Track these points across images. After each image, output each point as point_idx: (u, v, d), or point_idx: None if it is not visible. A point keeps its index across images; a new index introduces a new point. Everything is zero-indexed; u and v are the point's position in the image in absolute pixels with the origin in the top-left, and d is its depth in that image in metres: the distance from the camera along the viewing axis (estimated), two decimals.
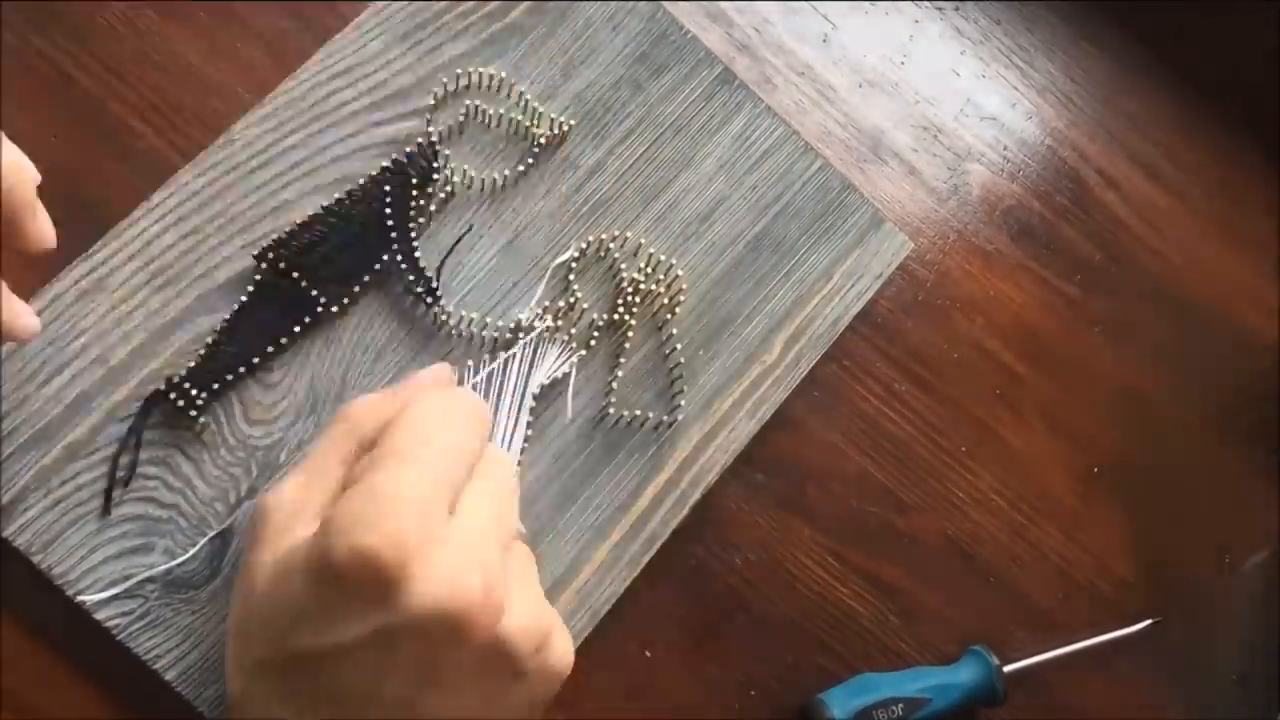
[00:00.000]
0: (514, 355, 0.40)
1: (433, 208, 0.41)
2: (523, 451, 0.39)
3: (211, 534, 0.37)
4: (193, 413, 0.37)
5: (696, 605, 0.42)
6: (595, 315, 0.42)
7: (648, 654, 0.41)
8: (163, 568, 0.36)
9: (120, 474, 0.37)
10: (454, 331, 0.40)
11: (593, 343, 0.41)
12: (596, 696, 0.40)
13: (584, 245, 0.42)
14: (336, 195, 0.40)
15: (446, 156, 0.41)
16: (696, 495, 0.41)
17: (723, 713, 0.42)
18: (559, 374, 0.40)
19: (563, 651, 0.32)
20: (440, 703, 0.29)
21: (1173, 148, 0.53)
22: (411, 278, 0.40)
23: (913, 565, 0.45)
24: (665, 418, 0.41)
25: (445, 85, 0.42)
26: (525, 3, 0.43)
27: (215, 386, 0.38)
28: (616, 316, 0.41)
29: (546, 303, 0.41)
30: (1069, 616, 0.46)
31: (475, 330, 0.40)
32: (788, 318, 0.43)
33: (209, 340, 0.38)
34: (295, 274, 0.39)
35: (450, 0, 0.42)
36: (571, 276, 0.42)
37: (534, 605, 0.31)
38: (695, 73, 0.44)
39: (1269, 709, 0.47)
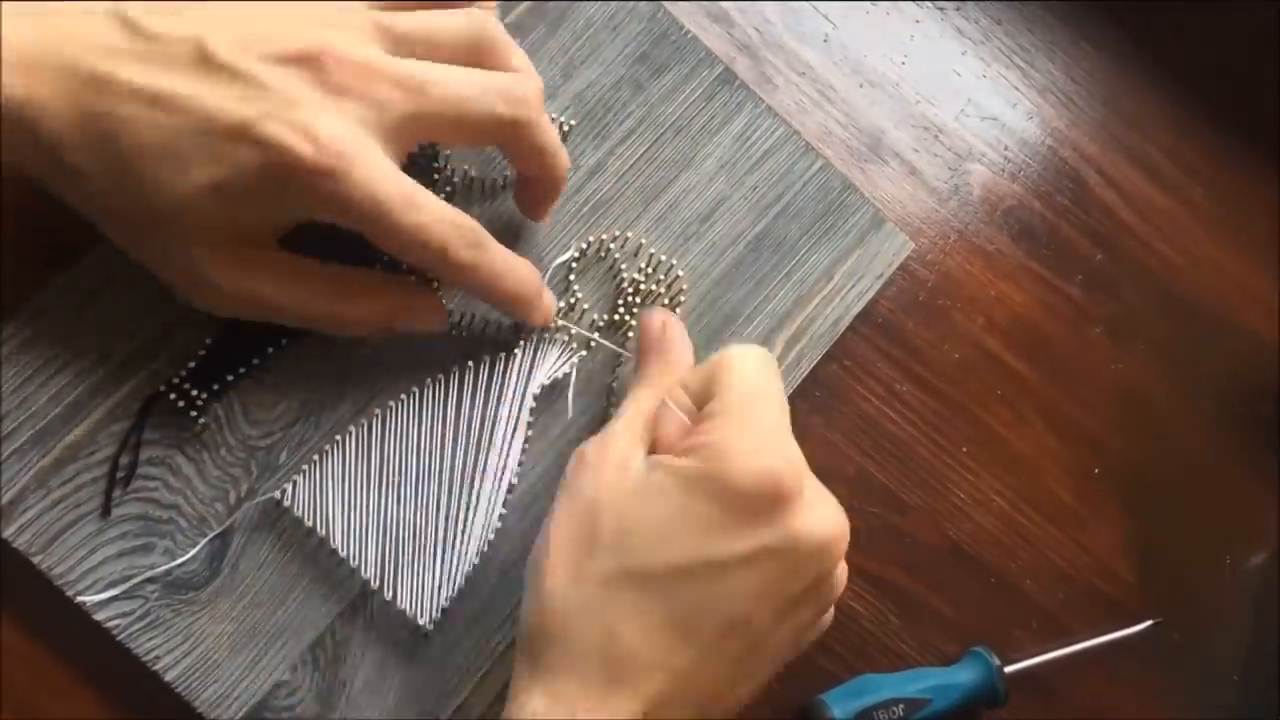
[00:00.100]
0: (514, 355, 0.40)
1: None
2: (524, 452, 0.39)
3: (212, 534, 0.37)
4: (193, 413, 0.37)
5: None
6: (596, 315, 0.41)
7: None
8: (163, 568, 0.36)
9: (120, 474, 0.37)
10: (455, 331, 0.40)
11: (592, 344, 0.41)
12: None
13: (584, 245, 0.42)
14: None
15: (447, 156, 0.41)
16: None
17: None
18: (560, 374, 0.40)
19: (832, 615, 0.36)
20: (770, 629, 0.32)
21: (1174, 148, 0.53)
22: (412, 277, 0.40)
23: (913, 566, 0.45)
24: None
25: None
26: (525, 3, 0.43)
27: (215, 387, 0.38)
28: (617, 317, 0.41)
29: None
30: (1070, 617, 0.46)
31: (476, 330, 0.40)
32: (788, 318, 0.43)
33: (209, 340, 0.38)
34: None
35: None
36: (572, 277, 0.42)
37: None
38: (696, 73, 0.44)
39: (1270, 710, 0.47)
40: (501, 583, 0.39)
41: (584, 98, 0.43)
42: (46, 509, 0.36)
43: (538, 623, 0.32)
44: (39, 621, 0.37)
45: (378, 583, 0.37)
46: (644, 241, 0.43)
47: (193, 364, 0.37)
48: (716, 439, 0.32)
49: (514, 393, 0.39)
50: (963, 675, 0.43)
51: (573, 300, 0.41)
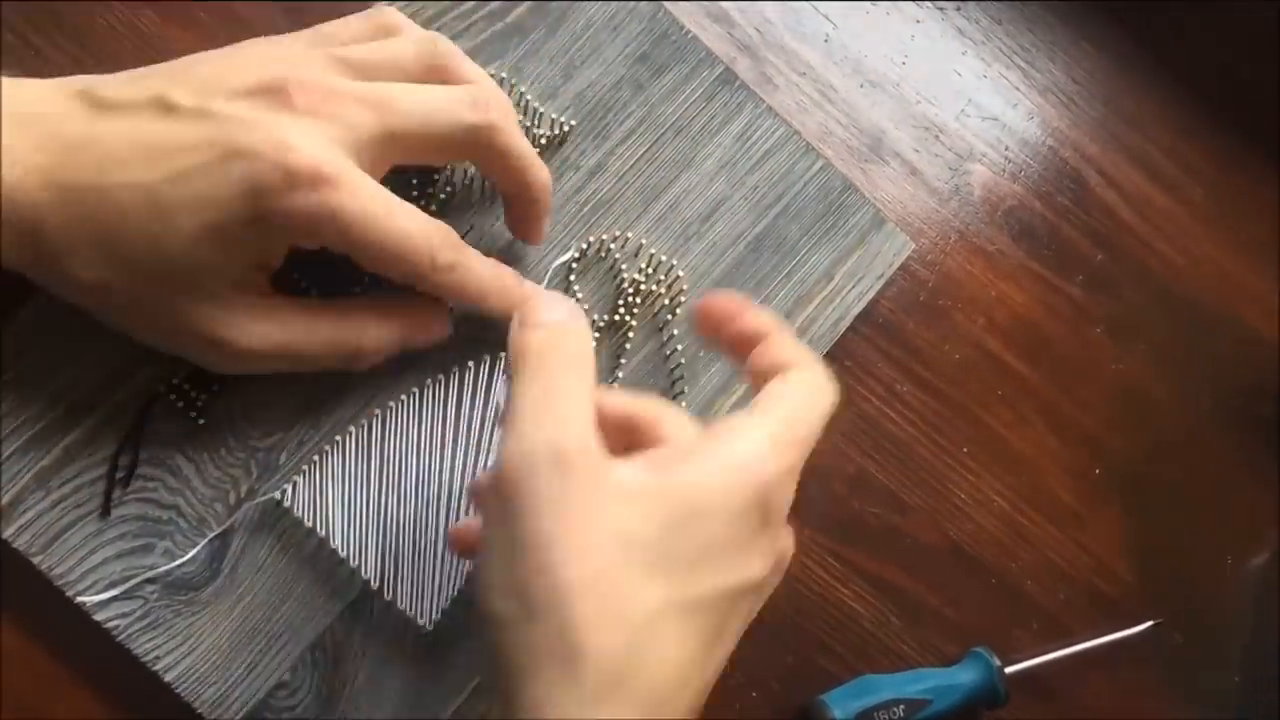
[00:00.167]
0: None
1: (433, 208, 0.41)
2: None
3: (212, 535, 0.37)
4: (192, 414, 0.37)
5: None
6: (596, 316, 0.41)
7: None
8: (163, 569, 0.36)
9: (120, 475, 0.36)
10: (455, 331, 0.40)
11: (594, 343, 0.41)
12: None
13: (585, 246, 0.42)
14: None
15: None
16: None
17: (723, 714, 0.42)
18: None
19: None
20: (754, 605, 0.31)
21: (1174, 148, 0.53)
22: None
23: (914, 566, 0.45)
24: None
25: None
26: (526, 3, 0.43)
27: (215, 388, 0.37)
28: (617, 317, 0.41)
29: None
30: (1070, 618, 0.46)
31: (476, 331, 0.40)
32: (789, 318, 0.43)
33: None
34: (295, 275, 0.38)
35: (451, 1, 0.42)
36: (572, 277, 0.42)
37: None
38: (696, 73, 0.44)
39: (1271, 711, 0.47)
40: None
41: (584, 98, 0.43)
42: (46, 509, 0.36)
43: (590, 672, 0.27)
44: (39, 622, 0.37)
45: (378, 583, 0.37)
46: (644, 242, 0.43)
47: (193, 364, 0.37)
48: (739, 446, 0.30)
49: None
50: (963, 676, 0.43)
51: (573, 300, 0.41)
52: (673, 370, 0.42)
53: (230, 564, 0.37)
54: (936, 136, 0.50)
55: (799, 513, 0.44)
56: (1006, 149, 0.51)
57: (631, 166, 0.43)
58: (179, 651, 0.36)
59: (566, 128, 0.42)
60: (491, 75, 0.42)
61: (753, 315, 0.33)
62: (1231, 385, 0.51)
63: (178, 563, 0.36)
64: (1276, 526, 0.50)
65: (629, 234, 0.42)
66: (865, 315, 0.45)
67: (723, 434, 0.30)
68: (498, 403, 0.40)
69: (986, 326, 0.48)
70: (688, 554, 0.28)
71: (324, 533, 0.37)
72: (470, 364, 0.39)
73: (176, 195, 0.31)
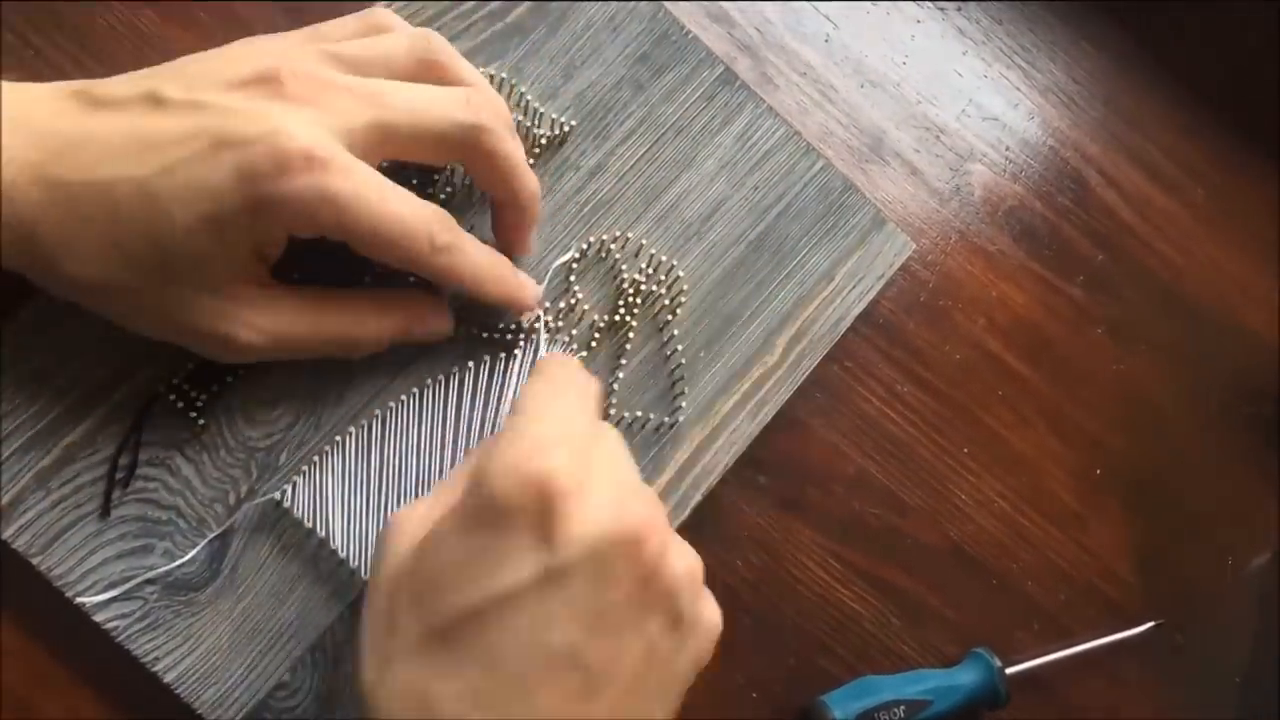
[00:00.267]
0: (514, 356, 0.40)
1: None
2: None
3: (211, 535, 0.37)
4: (192, 414, 0.37)
5: None
6: (596, 316, 0.41)
7: None
8: (162, 569, 0.36)
9: (119, 475, 0.36)
10: (455, 332, 0.40)
11: (593, 344, 0.41)
12: None
13: (585, 246, 0.42)
14: None
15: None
16: (698, 497, 0.41)
17: (724, 714, 0.42)
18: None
19: (715, 608, 0.31)
20: (609, 654, 0.28)
21: (1174, 148, 0.53)
22: (412, 278, 0.40)
23: (914, 567, 0.45)
24: (666, 419, 0.41)
25: None
26: (526, 3, 0.43)
27: (215, 388, 0.37)
28: (617, 317, 0.41)
29: (547, 304, 0.41)
30: (1071, 618, 0.46)
31: (476, 331, 0.40)
32: (789, 319, 0.43)
33: None
34: (295, 275, 0.38)
35: (451, 1, 0.42)
36: (572, 277, 0.42)
37: (689, 550, 0.31)
38: (696, 73, 0.44)
39: (1272, 712, 0.47)
40: None
41: (584, 98, 0.43)
42: (46, 510, 0.36)
43: (364, 715, 0.28)
44: (38, 622, 0.37)
45: None
46: (644, 242, 0.42)
47: (192, 365, 0.37)
48: (481, 460, 0.29)
49: (514, 394, 0.39)
50: (964, 677, 0.43)
51: (573, 301, 0.41)
52: (673, 371, 0.42)
53: (230, 564, 0.37)
54: (937, 137, 0.50)
55: (800, 513, 0.44)
56: (1007, 149, 0.51)
57: (632, 167, 0.43)
58: (179, 652, 0.36)
59: (567, 128, 0.42)
60: (491, 76, 0.42)
61: None
62: (1232, 386, 0.51)
63: (177, 563, 0.36)
64: (1277, 527, 0.50)
65: (629, 234, 0.42)
66: (866, 316, 0.45)
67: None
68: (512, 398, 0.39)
69: (987, 327, 0.48)
70: (431, 578, 0.28)
71: (324, 533, 0.37)
72: (470, 364, 0.39)
73: (170, 187, 0.30)
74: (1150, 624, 0.46)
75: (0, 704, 0.36)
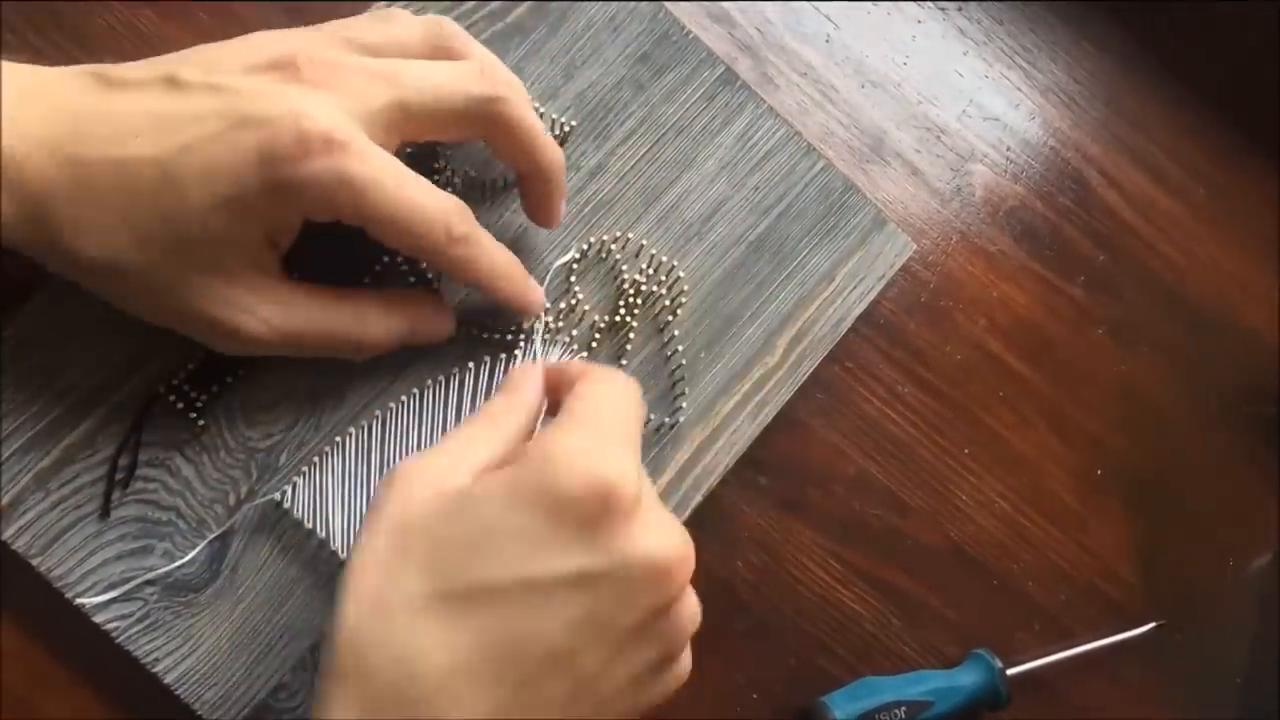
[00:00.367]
0: (515, 357, 0.40)
1: None
2: None
3: (211, 536, 0.37)
4: (192, 414, 0.37)
5: None
6: (596, 317, 0.41)
7: None
8: (162, 570, 0.36)
9: (119, 476, 0.36)
10: (455, 333, 0.40)
11: (594, 344, 0.41)
12: None
13: (585, 246, 0.42)
14: None
15: (448, 157, 0.41)
16: (698, 498, 0.41)
17: (724, 714, 0.42)
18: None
19: (689, 664, 0.32)
20: (600, 668, 0.28)
21: (1175, 148, 0.53)
22: (412, 279, 0.40)
23: (915, 568, 0.45)
24: (667, 419, 0.41)
25: None
26: (526, 3, 0.43)
27: (215, 388, 0.37)
28: (618, 318, 0.41)
29: (548, 304, 0.41)
30: (1072, 619, 0.46)
31: (476, 331, 0.40)
32: (790, 319, 0.43)
33: None
34: (296, 275, 0.38)
35: (451, 1, 0.42)
36: (573, 278, 0.42)
37: (697, 600, 0.31)
38: (697, 73, 0.44)
39: (1273, 712, 0.47)
40: None
41: (585, 98, 0.43)
42: (46, 510, 0.36)
43: (337, 661, 0.27)
44: (38, 623, 0.37)
45: None
46: (645, 243, 0.42)
47: (192, 365, 0.37)
48: (546, 443, 0.28)
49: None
50: (965, 677, 0.43)
51: (573, 301, 0.41)
52: (673, 371, 0.42)
53: (230, 565, 0.37)
54: (938, 137, 0.50)
55: (800, 514, 0.44)
56: (1008, 149, 0.51)
57: (632, 167, 0.43)
58: (179, 653, 0.36)
59: (567, 128, 0.42)
60: None
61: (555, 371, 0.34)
62: (1234, 386, 0.51)
63: (177, 564, 0.36)
64: (1278, 527, 0.50)
65: (630, 235, 0.42)
66: (866, 316, 0.45)
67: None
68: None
69: (988, 327, 0.48)
70: (460, 539, 0.28)
71: (324, 534, 0.37)
72: (470, 365, 0.39)
73: (188, 166, 0.30)
74: (1151, 625, 0.46)
75: (0, 704, 0.36)
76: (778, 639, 0.43)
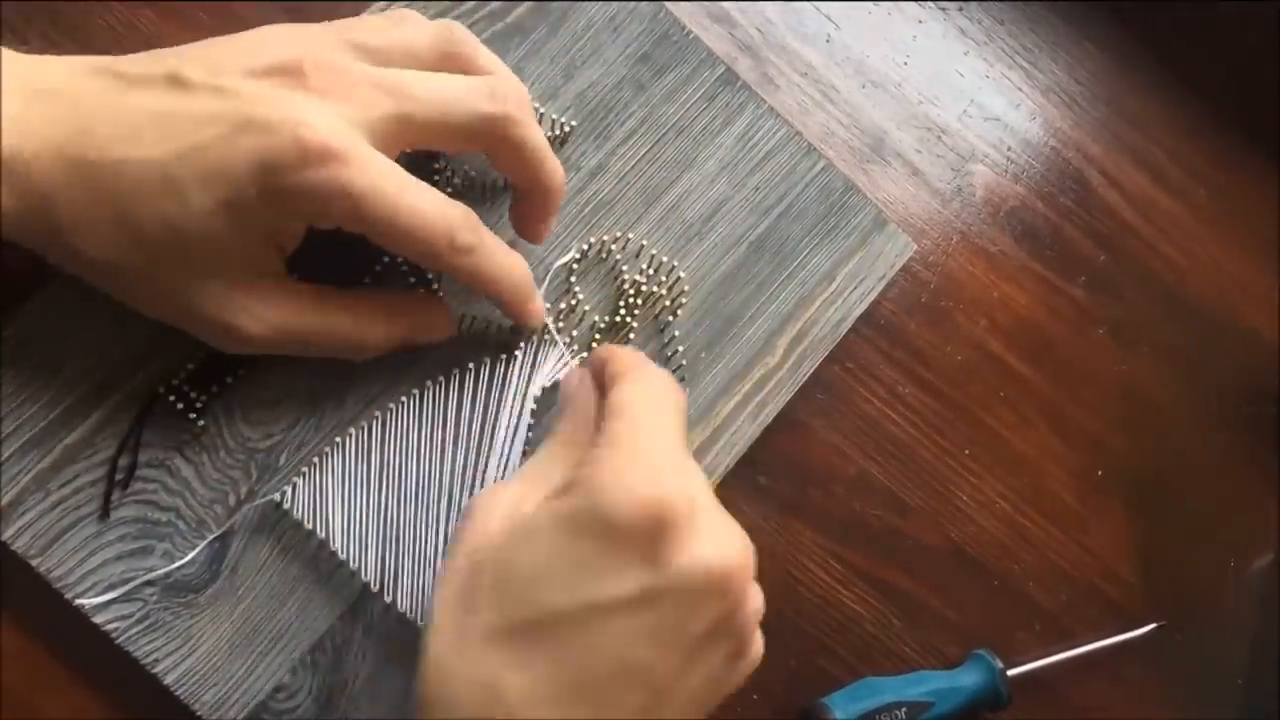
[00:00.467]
0: (515, 357, 0.40)
1: None
2: (524, 455, 0.39)
3: (211, 537, 0.37)
4: (192, 415, 0.37)
5: None
6: (597, 317, 0.41)
7: None
8: (162, 571, 0.36)
9: (119, 476, 0.36)
10: (456, 333, 0.40)
11: (594, 345, 0.41)
12: None
13: (585, 246, 0.42)
14: None
15: (447, 158, 0.41)
16: None
17: (724, 715, 0.42)
18: (560, 376, 0.40)
19: (761, 646, 0.33)
20: (676, 676, 0.29)
21: (1176, 149, 0.53)
22: (413, 280, 0.40)
23: (916, 568, 0.45)
24: None
25: None
26: (526, 3, 0.43)
27: (215, 389, 0.37)
28: (618, 318, 0.41)
29: (548, 304, 0.41)
30: (1073, 620, 0.46)
31: (476, 331, 0.40)
32: (790, 319, 0.43)
33: None
34: (296, 276, 0.38)
35: (451, 1, 0.42)
36: (573, 278, 0.42)
37: (759, 591, 0.32)
38: (697, 73, 0.44)
39: (1274, 713, 0.47)
40: None
41: (585, 98, 0.43)
42: (46, 511, 0.36)
43: (424, 692, 0.29)
44: (38, 624, 0.37)
45: (378, 586, 0.37)
46: (645, 243, 0.42)
47: (192, 365, 0.37)
48: (593, 471, 0.29)
49: (514, 395, 0.39)
50: (965, 678, 0.43)
51: (574, 302, 0.41)
52: (674, 372, 0.42)
53: (230, 566, 0.37)
54: (939, 137, 0.50)
55: (801, 514, 0.44)
56: (1009, 150, 0.51)
57: (633, 167, 0.43)
58: (179, 654, 0.36)
59: (567, 128, 0.42)
60: None
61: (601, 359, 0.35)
62: (1234, 387, 0.51)
63: (177, 565, 0.36)
64: (1278, 528, 0.50)
65: (630, 235, 0.42)
66: (867, 317, 0.45)
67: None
68: (534, 393, 0.39)
69: (989, 328, 0.48)
70: (523, 570, 0.29)
71: (324, 535, 0.37)
72: (471, 366, 0.39)
73: (189, 170, 0.30)
74: (1152, 625, 0.46)
75: (0, 705, 0.36)
76: (778, 639, 0.43)
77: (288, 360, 0.38)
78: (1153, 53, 0.53)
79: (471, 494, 0.38)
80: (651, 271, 0.42)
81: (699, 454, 0.41)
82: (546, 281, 0.41)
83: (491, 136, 0.35)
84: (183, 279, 0.32)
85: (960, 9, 0.51)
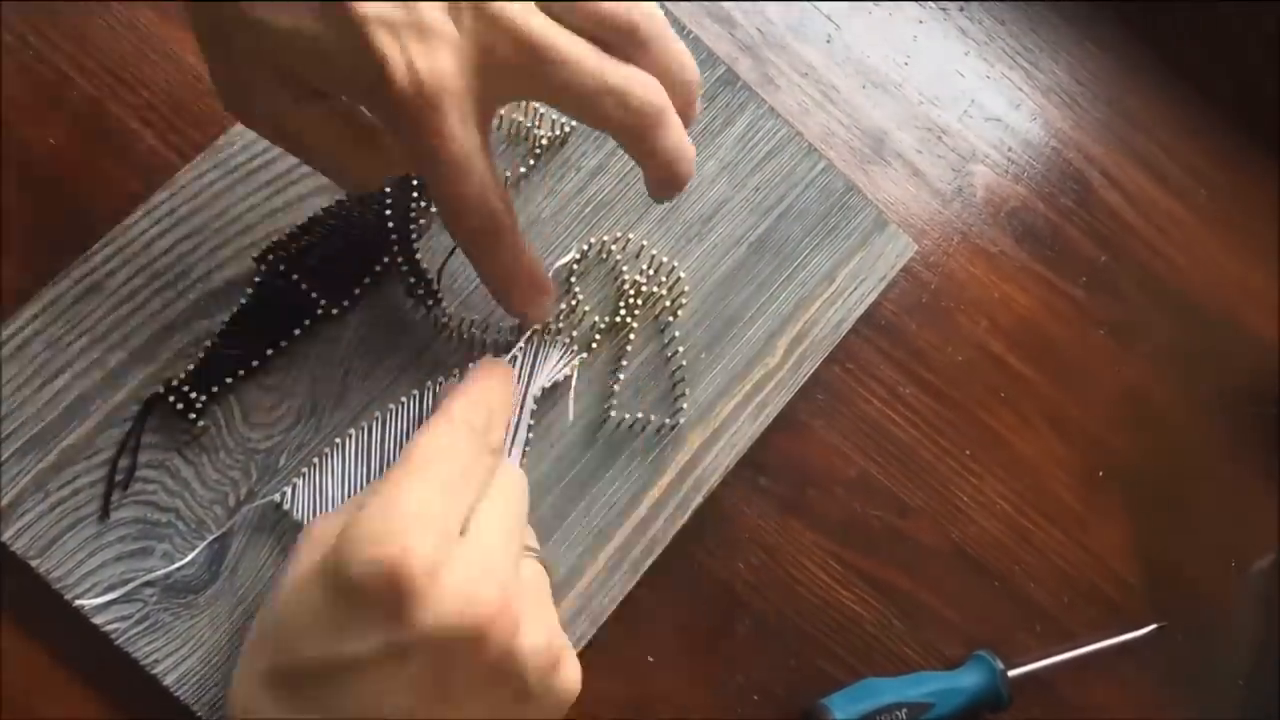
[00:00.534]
0: (515, 358, 0.40)
1: (434, 209, 0.41)
2: (524, 455, 0.39)
3: (211, 537, 0.37)
4: (192, 416, 0.37)
5: (699, 609, 0.42)
6: (597, 318, 0.41)
7: (650, 659, 0.41)
8: (161, 572, 0.36)
9: (119, 477, 0.36)
10: (455, 334, 0.40)
11: (594, 345, 0.41)
12: (598, 701, 0.40)
13: (585, 247, 0.42)
14: (337, 197, 0.40)
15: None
16: (699, 499, 0.41)
17: (724, 716, 0.42)
18: (560, 377, 0.40)
19: (571, 677, 0.32)
20: (457, 716, 0.29)
21: (1177, 149, 0.53)
22: (412, 280, 0.40)
23: (916, 569, 0.45)
24: (667, 421, 0.41)
25: None
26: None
27: (214, 389, 0.37)
28: (618, 319, 0.41)
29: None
30: (1073, 620, 0.46)
31: (476, 333, 0.40)
32: (790, 320, 0.43)
33: (208, 343, 0.38)
34: (295, 276, 0.38)
35: None
36: (573, 279, 0.41)
37: (548, 626, 0.31)
38: None
39: (1274, 714, 0.47)
40: None
41: None
42: (45, 512, 0.36)
43: (229, 715, 0.31)
44: (37, 624, 0.37)
45: None
46: (645, 243, 0.42)
47: (192, 366, 0.37)
48: (351, 521, 0.29)
49: (514, 396, 0.39)
50: (966, 679, 0.43)
51: (574, 302, 0.41)
52: (674, 373, 0.41)
53: (229, 567, 0.37)
54: (939, 137, 0.49)
55: (801, 515, 0.44)
56: (1009, 150, 0.50)
57: (633, 168, 0.43)
58: (178, 654, 0.36)
59: (567, 129, 0.42)
60: None
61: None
62: (1235, 387, 0.51)
63: (177, 565, 0.36)
64: (1279, 529, 0.50)
65: (630, 235, 0.42)
66: (867, 317, 0.45)
67: None
68: (534, 393, 0.39)
69: (989, 328, 0.48)
70: (289, 622, 0.30)
71: None
72: (471, 367, 0.39)
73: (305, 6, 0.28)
74: (1153, 626, 0.46)
75: (0, 706, 0.36)
76: (778, 640, 0.43)
77: (288, 361, 0.38)
78: (1154, 53, 0.53)
79: None
80: (652, 272, 0.42)
81: (699, 454, 0.41)
82: None
83: (616, 136, 0.32)
84: (220, 26, 0.30)
85: (961, 9, 0.51)
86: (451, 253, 0.40)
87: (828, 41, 0.49)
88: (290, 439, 0.38)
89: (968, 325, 0.48)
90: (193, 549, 0.37)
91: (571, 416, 0.40)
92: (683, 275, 0.42)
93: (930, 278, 0.48)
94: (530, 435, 0.39)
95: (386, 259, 0.39)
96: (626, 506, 0.40)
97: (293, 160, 0.40)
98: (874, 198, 0.45)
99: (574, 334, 0.41)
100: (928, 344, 0.47)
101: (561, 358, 0.40)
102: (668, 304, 0.42)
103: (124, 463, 0.36)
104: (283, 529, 0.37)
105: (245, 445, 0.38)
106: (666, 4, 0.44)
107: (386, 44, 0.28)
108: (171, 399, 0.37)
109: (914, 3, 0.51)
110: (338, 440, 0.38)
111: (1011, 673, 0.43)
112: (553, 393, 0.40)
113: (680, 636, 0.41)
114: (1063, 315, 0.49)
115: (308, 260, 0.39)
